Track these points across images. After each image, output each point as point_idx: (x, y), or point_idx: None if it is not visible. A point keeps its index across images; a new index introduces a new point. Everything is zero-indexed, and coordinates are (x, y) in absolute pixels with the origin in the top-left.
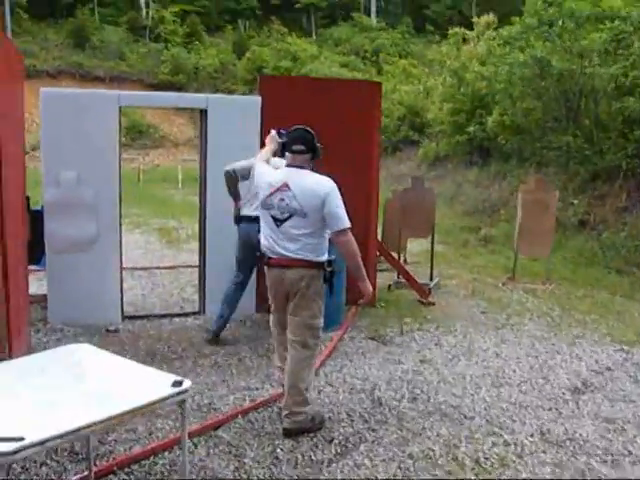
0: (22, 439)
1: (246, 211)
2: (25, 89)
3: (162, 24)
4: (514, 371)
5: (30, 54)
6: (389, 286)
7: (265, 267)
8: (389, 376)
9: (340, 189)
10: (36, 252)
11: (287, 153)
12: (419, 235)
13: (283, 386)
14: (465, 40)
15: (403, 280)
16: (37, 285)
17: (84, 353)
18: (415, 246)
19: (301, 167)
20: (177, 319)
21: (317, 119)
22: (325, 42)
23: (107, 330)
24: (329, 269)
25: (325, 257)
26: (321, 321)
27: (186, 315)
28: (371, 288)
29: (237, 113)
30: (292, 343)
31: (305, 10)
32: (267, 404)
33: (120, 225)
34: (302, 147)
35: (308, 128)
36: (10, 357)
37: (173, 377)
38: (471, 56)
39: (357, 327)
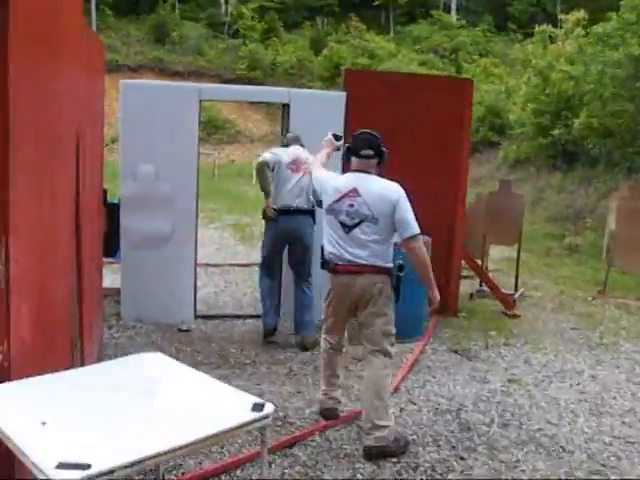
0: (89, 467)
1: (275, 204)
2: (107, 83)
3: (241, 20)
4: (614, 398)
5: (112, 49)
6: (471, 295)
7: (331, 274)
8: (476, 396)
9: (424, 192)
10: (112, 245)
11: (353, 157)
12: (504, 242)
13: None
14: (552, 38)
15: (486, 289)
16: (111, 278)
17: (157, 364)
18: (495, 253)
19: (368, 172)
20: (250, 320)
21: (404, 117)
22: (403, 40)
23: (179, 329)
24: (400, 274)
25: (391, 263)
26: (393, 327)
27: (259, 317)
28: (439, 297)
29: (321, 108)
30: (373, 353)
31: (384, 7)
32: (346, 421)
33: (196, 222)
34: (370, 152)
35: (374, 132)
36: (82, 356)
37: (253, 399)
38: (558, 55)
39: (438, 338)
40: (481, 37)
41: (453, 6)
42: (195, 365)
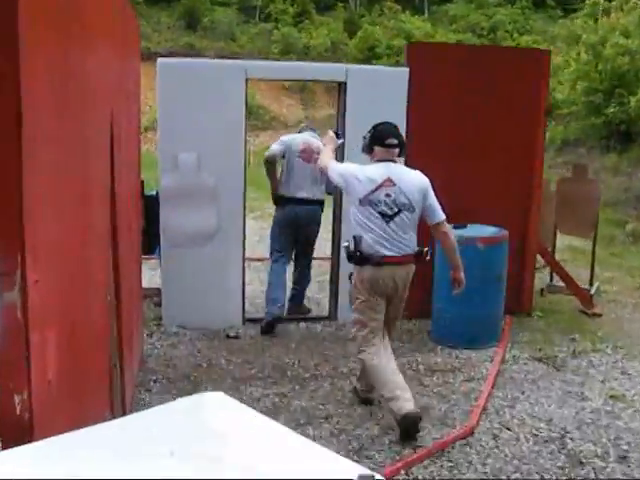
0: None
1: (284, 192)
2: None
3: (272, 3)
4: None
5: (143, 36)
6: (541, 290)
7: (369, 267)
8: (577, 417)
9: (494, 176)
10: (150, 242)
11: (377, 147)
12: (578, 233)
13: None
14: (604, 11)
15: (558, 283)
16: (149, 275)
17: (219, 411)
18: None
19: (393, 161)
20: (304, 324)
21: (473, 93)
22: (439, 20)
23: (227, 336)
24: (427, 258)
25: None
26: None
27: (314, 320)
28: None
29: (381, 86)
30: (390, 337)
31: None
32: (432, 454)
33: (244, 216)
34: (395, 140)
35: (393, 123)
36: (122, 378)
37: (357, 469)
38: (612, 28)
39: (517, 343)
40: (519, 15)
41: None
42: (249, 380)
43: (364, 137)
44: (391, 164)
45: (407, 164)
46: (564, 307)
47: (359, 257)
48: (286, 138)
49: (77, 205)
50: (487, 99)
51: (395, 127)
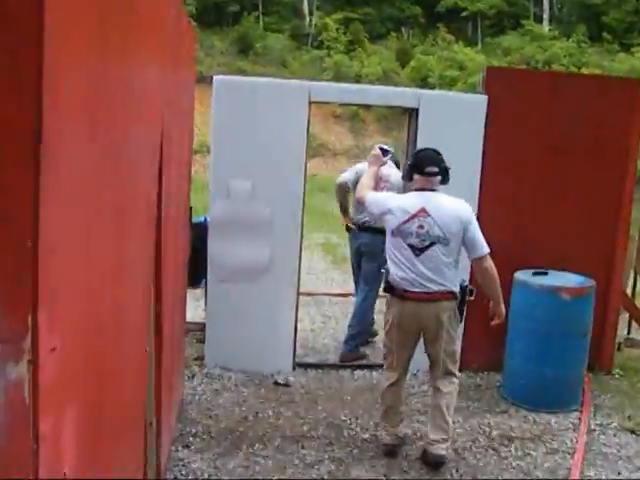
0: None
1: (354, 220)
2: None
3: (325, 31)
4: None
5: (196, 61)
6: (619, 344)
7: (396, 299)
8: None
9: (575, 216)
10: (195, 272)
11: (416, 175)
12: None
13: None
14: None
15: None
16: (192, 307)
17: None
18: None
19: (433, 190)
20: (359, 372)
21: (557, 124)
22: (493, 51)
23: (276, 383)
24: (471, 298)
25: (458, 287)
26: (459, 346)
27: (371, 368)
28: (504, 312)
29: (457, 114)
30: (439, 379)
31: (471, 18)
32: None
33: (300, 251)
34: (435, 168)
35: (435, 149)
36: (158, 439)
37: None
38: None
39: (600, 408)
40: (575, 48)
41: (545, 16)
42: (301, 439)
43: (404, 165)
44: (428, 193)
45: (480, 200)
46: None
47: (387, 288)
48: (360, 165)
49: (113, 239)
50: (572, 132)
51: (437, 153)
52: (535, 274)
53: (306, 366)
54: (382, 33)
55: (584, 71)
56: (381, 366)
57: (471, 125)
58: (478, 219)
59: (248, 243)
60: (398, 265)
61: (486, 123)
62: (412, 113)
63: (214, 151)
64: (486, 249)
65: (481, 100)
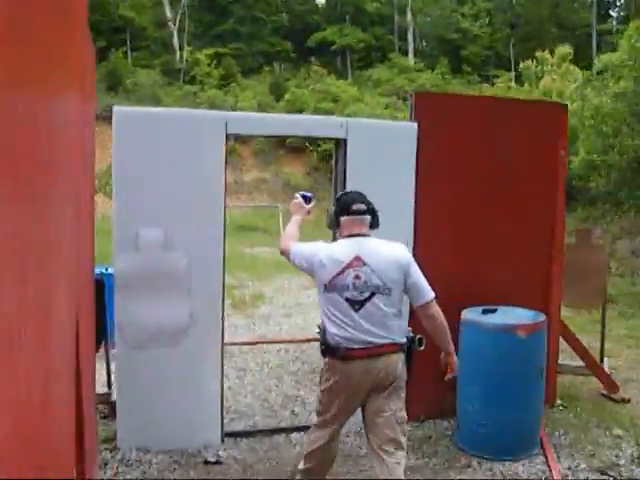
0: None
1: None
2: None
3: (197, 66)
4: None
5: None
6: None
7: (338, 362)
8: None
9: (507, 244)
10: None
11: (343, 218)
12: (585, 304)
13: None
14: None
15: (567, 362)
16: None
17: None
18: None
19: (365, 235)
20: (297, 435)
21: (488, 150)
22: (363, 84)
23: (206, 462)
24: (420, 348)
25: (405, 337)
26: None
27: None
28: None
29: (386, 143)
30: (384, 446)
31: (339, 52)
32: None
33: (223, 303)
34: (363, 206)
35: (358, 191)
36: None
37: None
38: (545, 93)
39: (558, 447)
40: (440, 79)
41: (410, 49)
42: None
43: (327, 211)
44: (361, 239)
45: (415, 234)
46: (582, 392)
47: (325, 349)
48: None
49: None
50: (505, 157)
51: (361, 195)
52: (484, 312)
53: (236, 435)
54: (254, 67)
55: None
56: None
57: (402, 154)
58: (414, 255)
59: (164, 301)
60: (336, 323)
61: (417, 152)
62: (340, 144)
63: (117, 194)
64: (431, 294)
65: (411, 127)
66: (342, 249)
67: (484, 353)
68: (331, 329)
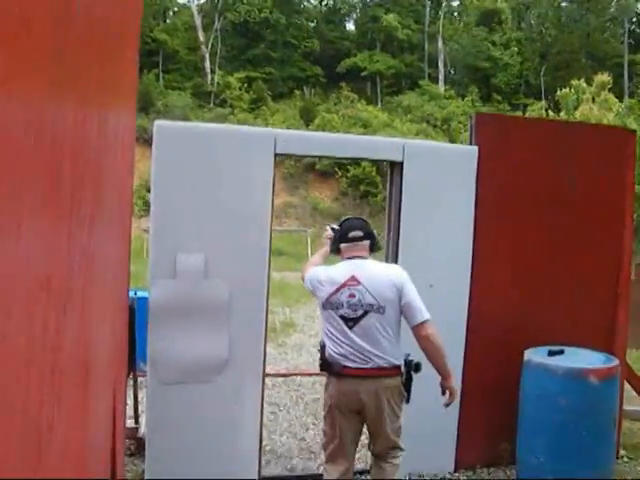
0: None
1: None
2: None
3: (228, 89)
4: None
5: None
6: None
7: (333, 378)
8: None
9: (569, 279)
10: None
11: (342, 245)
12: None
13: None
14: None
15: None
16: None
17: None
18: None
19: (362, 257)
20: None
21: (552, 177)
22: (394, 110)
23: None
24: (416, 372)
25: (401, 360)
26: (402, 419)
27: (360, 473)
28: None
29: (445, 168)
30: (384, 454)
31: (370, 78)
32: None
33: (265, 340)
34: (360, 233)
35: (361, 217)
36: None
37: None
38: (585, 120)
39: None
40: (470, 107)
41: (441, 77)
42: None
43: (332, 237)
44: (358, 261)
45: (474, 258)
46: None
47: (323, 365)
48: None
49: None
50: (568, 185)
51: (362, 221)
52: (550, 354)
53: None
54: (284, 92)
55: None
56: (362, 473)
57: (461, 179)
58: (471, 292)
59: (202, 333)
60: (333, 340)
61: (477, 177)
62: (394, 167)
63: (155, 217)
64: (426, 315)
65: (471, 151)
66: (339, 270)
67: (553, 400)
68: (328, 345)
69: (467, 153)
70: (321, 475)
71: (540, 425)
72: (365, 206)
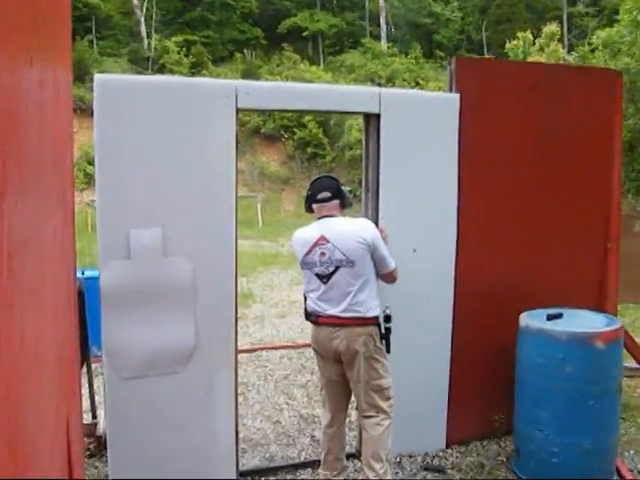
0: None
1: None
2: None
3: (166, 54)
4: None
5: None
6: None
7: (313, 326)
8: None
9: (556, 232)
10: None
11: (313, 205)
12: (633, 299)
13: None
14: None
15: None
16: None
17: None
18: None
19: (332, 216)
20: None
21: (539, 125)
22: (337, 69)
23: None
24: (387, 325)
25: (377, 311)
26: (389, 380)
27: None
28: None
29: (426, 119)
30: (365, 412)
31: (311, 38)
32: None
33: (236, 324)
34: (328, 194)
35: (331, 175)
36: None
37: None
38: None
39: (633, 471)
40: (413, 64)
41: (383, 34)
42: None
43: (304, 197)
44: (327, 219)
45: (459, 211)
46: (637, 399)
47: (305, 314)
48: None
49: None
50: (555, 132)
51: (329, 178)
52: (549, 318)
53: (253, 474)
54: (224, 55)
55: (432, 84)
56: (349, 457)
57: (443, 130)
58: (457, 247)
59: (164, 320)
60: (310, 294)
61: (460, 126)
62: (370, 120)
63: (101, 189)
64: (392, 264)
65: (453, 99)
66: (311, 231)
67: (556, 368)
68: (308, 298)
69: (448, 101)
70: (304, 463)
71: (542, 395)
72: (313, 168)
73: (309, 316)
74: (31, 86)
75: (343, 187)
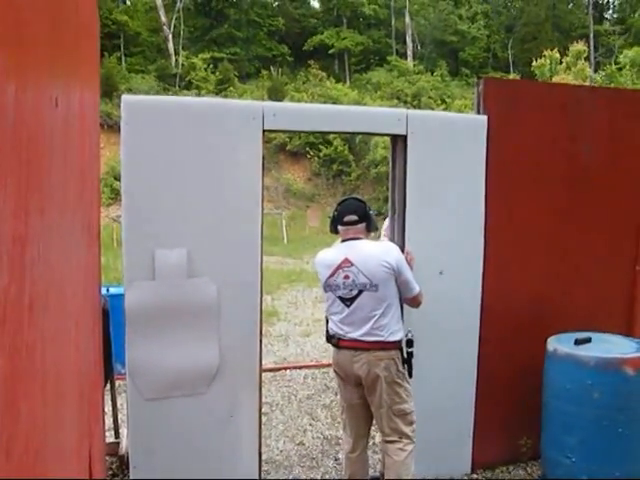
0: None
1: None
2: None
3: (193, 71)
4: None
5: None
6: None
7: (334, 349)
8: None
9: (585, 260)
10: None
11: (339, 227)
12: None
13: None
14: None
15: None
16: None
17: None
18: None
19: (357, 238)
20: None
21: (569, 148)
22: (363, 87)
23: None
24: (409, 349)
25: (400, 335)
26: (411, 405)
27: None
28: None
29: (453, 140)
30: (388, 437)
31: (337, 56)
32: None
33: (260, 344)
34: (354, 217)
35: (358, 197)
36: None
37: None
38: None
39: None
40: (439, 82)
41: (409, 52)
42: None
43: (329, 217)
44: (352, 242)
45: (486, 233)
46: None
47: (327, 338)
48: None
49: None
50: (582, 150)
51: (356, 201)
52: (577, 343)
53: None
54: (251, 72)
55: (458, 102)
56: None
57: (470, 152)
58: (483, 273)
59: (188, 340)
60: (332, 317)
61: (487, 149)
62: (397, 141)
63: (127, 208)
64: (416, 288)
65: (481, 121)
66: (335, 253)
67: (584, 394)
68: (330, 321)
69: (476, 123)
70: None
71: (571, 421)
72: (339, 186)
73: (331, 338)
74: (56, 118)
75: (370, 211)
